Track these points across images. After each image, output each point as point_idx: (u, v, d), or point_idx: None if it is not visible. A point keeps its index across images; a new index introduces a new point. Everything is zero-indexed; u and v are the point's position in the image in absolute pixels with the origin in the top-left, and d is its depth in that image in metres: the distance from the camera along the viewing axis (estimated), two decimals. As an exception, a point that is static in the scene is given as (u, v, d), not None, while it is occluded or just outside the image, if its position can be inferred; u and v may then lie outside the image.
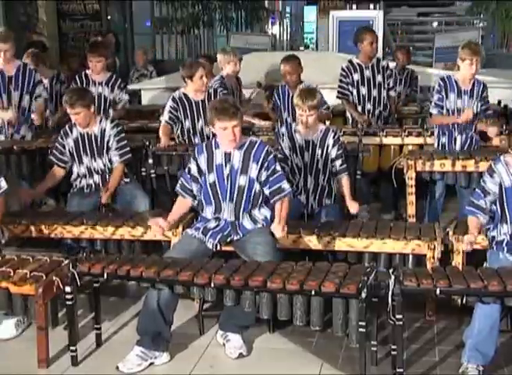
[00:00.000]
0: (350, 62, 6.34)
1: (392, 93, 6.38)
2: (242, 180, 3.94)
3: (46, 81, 6.67)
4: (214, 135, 4.08)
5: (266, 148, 3.98)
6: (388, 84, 6.31)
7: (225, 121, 3.82)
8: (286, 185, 4.00)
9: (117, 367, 3.67)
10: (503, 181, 3.69)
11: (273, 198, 3.98)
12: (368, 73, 6.25)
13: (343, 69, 6.33)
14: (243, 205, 3.97)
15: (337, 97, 6.37)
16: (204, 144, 4.09)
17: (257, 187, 3.97)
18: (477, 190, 3.85)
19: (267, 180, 3.96)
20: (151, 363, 3.74)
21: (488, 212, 3.78)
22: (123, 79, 6.85)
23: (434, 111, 5.50)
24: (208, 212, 4.04)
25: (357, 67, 6.27)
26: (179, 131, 5.73)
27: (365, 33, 6.28)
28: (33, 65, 6.56)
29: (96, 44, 6.47)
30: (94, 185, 5.07)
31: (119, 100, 6.45)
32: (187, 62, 5.89)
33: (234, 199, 3.96)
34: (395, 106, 6.53)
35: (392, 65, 6.90)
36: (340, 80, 6.33)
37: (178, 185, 4.14)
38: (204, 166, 3.99)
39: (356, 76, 6.26)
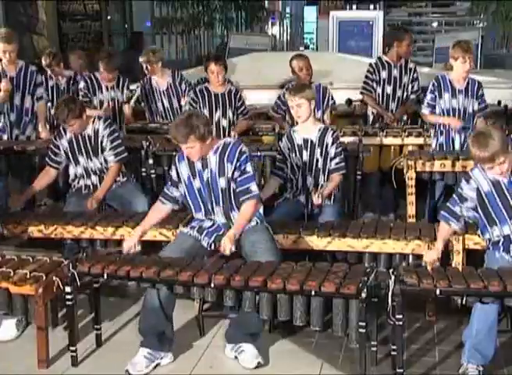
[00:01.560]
0: (379, 58, 6.33)
1: (412, 96, 6.30)
2: (222, 183, 3.92)
3: (63, 81, 6.68)
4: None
5: (239, 148, 3.91)
6: (412, 87, 6.26)
7: (181, 144, 3.82)
8: (254, 187, 3.90)
9: (127, 370, 3.65)
10: (481, 186, 3.67)
11: (240, 198, 3.92)
12: (395, 72, 6.23)
13: (370, 65, 6.32)
14: (230, 206, 3.95)
15: (361, 92, 6.37)
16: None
17: (233, 186, 3.94)
18: (454, 196, 3.83)
19: (236, 180, 3.90)
20: (158, 364, 3.74)
21: (462, 219, 3.79)
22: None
23: (426, 111, 5.53)
24: (199, 216, 4.03)
25: (386, 65, 6.25)
26: None
27: (405, 33, 6.30)
28: (55, 65, 6.58)
29: (111, 59, 6.42)
30: (91, 186, 5.07)
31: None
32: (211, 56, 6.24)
33: (221, 202, 3.95)
34: (405, 108, 6.35)
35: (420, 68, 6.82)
36: (366, 76, 6.31)
37: (161, 193, 4.12)
38: (186, 173, 3.97)
39: (384, 74, 6.24)
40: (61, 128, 5.11)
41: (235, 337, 3.82)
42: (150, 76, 6.71)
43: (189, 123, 3.76)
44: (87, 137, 5.01)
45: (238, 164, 3.88)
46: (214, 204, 3.95)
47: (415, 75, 6.32)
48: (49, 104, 6.56)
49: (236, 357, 3.79)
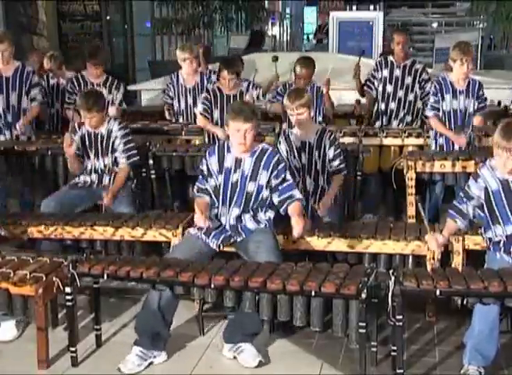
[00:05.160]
0: (385, 57, 6.35)
1: (419, 104, 6.23)
2: (251, 187, 3.98)
3: (64, 82, 6.67)
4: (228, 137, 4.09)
5: (277, 157, 4.01)
6: (423, 88, 6.14)
7: (239, 123, 3.85)
8: (296, 192, 4.01)
9: (118, 368, 3.66)
10: (489, 185, 3.66)
11: (283, 206, 3.99)
12: (398, 72, 6.20)
13: (375, 63, 6.36)
14: (248, 209, 4.00)
15: (362, 85, 6.37)
16: (216, 146, 4.11)
17: (265, 193, 4.00)
18: (460, 194, 3.83)
19: (276, 189, 3.98)
20: (151, 363, 3.74)
21: (468, 217, 3.76)
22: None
23: (430, 113, 5.52)
24: (213, 213, 4.06)
25: (389, 64, 6.25)
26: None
27: (393, 33, 6.34)
28: (57, 67, 6.59)
29: (95, 52, 6.37)
30: (90, 182, 5.10)
31: (115, 100, 6.36)
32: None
33: (241, 204, 3.98)
34: (417, 110, 6.33)
35: (430, 70, 6.73)
36: (371, 73, 6.34)
37: (195, 188, 4.15)
38: (215, 168, 4.02)
39: (385, 73, 6.23)
40: (75, 124, 5.15)
41: (233, 337, 3.82)
42: (178, 73, 6.61)
43: (251, 107, 4.04)
44: (99, 136, 5.04)
45: (276, 173, 3.96)
46: (232, 204, 3.99)
47: (425, 76, 6.21)
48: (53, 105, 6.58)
49: (235, 357, 3.80)
